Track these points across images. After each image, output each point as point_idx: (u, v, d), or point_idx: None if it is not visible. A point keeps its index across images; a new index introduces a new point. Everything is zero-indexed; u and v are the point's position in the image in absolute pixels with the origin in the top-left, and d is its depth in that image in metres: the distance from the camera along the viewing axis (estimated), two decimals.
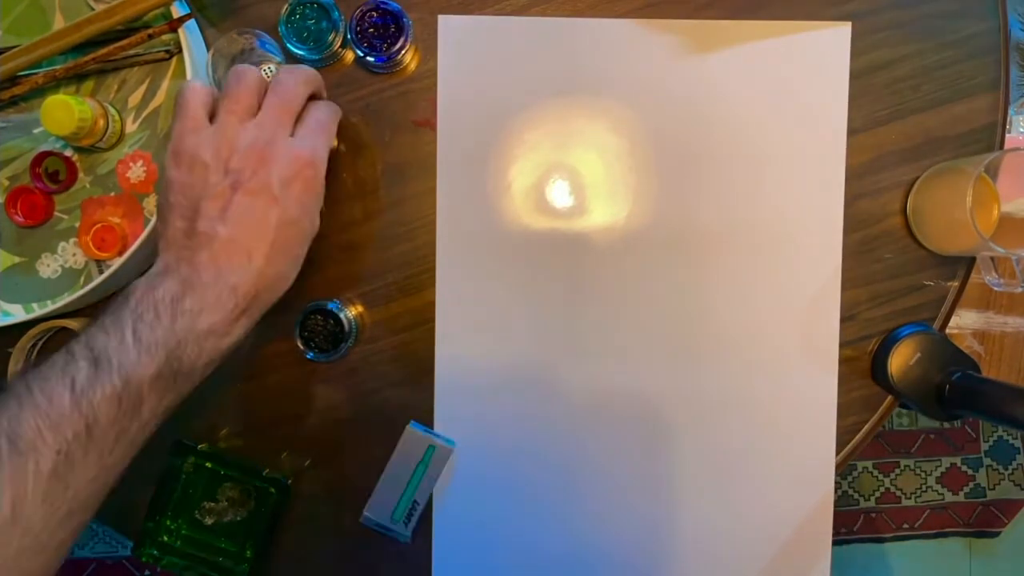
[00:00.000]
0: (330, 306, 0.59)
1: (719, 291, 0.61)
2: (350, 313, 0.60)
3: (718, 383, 0.62)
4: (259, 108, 0.49)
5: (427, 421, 0.62)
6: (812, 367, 0.61)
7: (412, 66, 0.62)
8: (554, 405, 0.62)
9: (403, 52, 0.58)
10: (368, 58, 0.58)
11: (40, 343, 0.63)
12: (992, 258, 0.60)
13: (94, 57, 0.57)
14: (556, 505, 0.62)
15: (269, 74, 0.60)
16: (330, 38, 0.58)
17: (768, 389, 0.61)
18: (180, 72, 0.59)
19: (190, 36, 0.57)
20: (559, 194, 0.62)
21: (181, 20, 0.56)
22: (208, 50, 0.60)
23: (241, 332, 0.47)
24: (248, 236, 0.46)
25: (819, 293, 0.61)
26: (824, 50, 0.61)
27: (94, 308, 0.61)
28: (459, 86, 0.62)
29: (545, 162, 0.62)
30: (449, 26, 0.61)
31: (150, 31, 0.57)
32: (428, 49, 0.62)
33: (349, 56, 0.62)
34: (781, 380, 0.61)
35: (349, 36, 0.58)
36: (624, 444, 0.62)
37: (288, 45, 0.58)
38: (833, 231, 0.61)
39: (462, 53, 0.62)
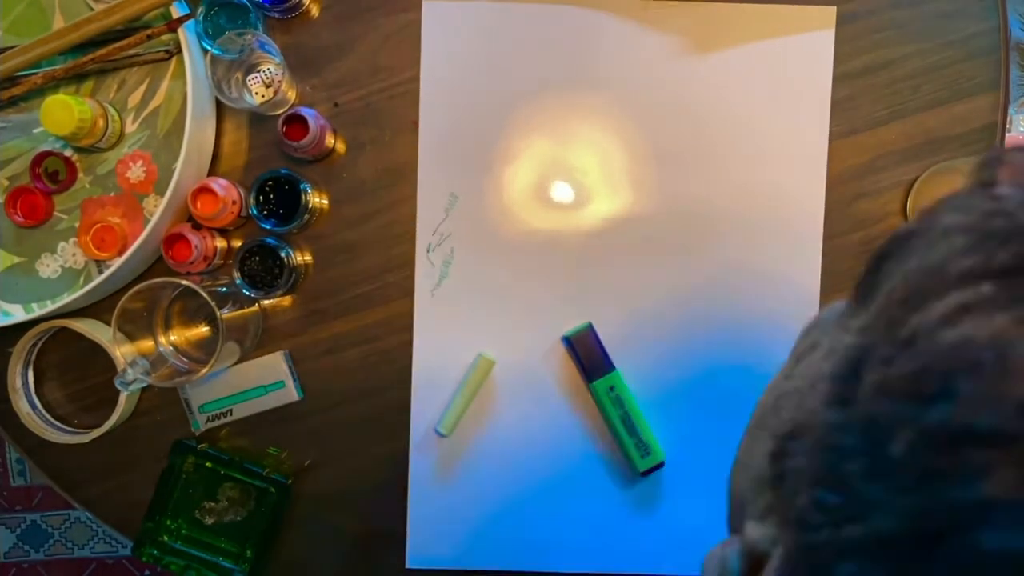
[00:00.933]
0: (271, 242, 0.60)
1: (704, 278, 0.62)
2: (296, 259, 0.61)
3: (701, 364, 0.62)
4: None
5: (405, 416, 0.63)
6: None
7: (314, 10, 0.62)
8: (530, 400, 0.62)
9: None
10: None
11: (40, 343, 0.63)
12: None
13: (93, 57, 0.57)
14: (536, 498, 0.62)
15: (268, 75, 0.60)
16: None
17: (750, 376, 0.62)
18: (180, 72, 0.59)
19: (190, 36, 0.57)
20: (547, 186, 0.62)
21: (180, 20, 0.56)
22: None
23: None
24: None
25: (800, 280, 0.61)
26: (809, 45, 0.61)
27: (94, 308, 0.62)
28: (442, 77, 0.62)
29: (534, 156, 0.62)
30: (434, 13, 0.61)
31: (149, 31, 0.57)
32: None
33: (315, 10, 0.61)
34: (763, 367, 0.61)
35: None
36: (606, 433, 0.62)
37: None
38: (815, 212, 0.61)
39: (447, 40, 0.61)
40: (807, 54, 0.61)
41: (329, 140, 0.60)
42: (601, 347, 0.60)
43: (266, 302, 0.63)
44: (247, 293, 0.60)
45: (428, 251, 0.62)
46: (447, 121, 0.62)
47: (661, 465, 0.60)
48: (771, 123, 0.61)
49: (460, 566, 0.62)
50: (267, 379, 0.62)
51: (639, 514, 0.62)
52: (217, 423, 0.63)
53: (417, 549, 0.62)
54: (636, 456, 0.60)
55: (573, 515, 0.62)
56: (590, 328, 0.60)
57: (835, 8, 0.60)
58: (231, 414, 0.63)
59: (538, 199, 0.62)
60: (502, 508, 0.62)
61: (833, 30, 0.60)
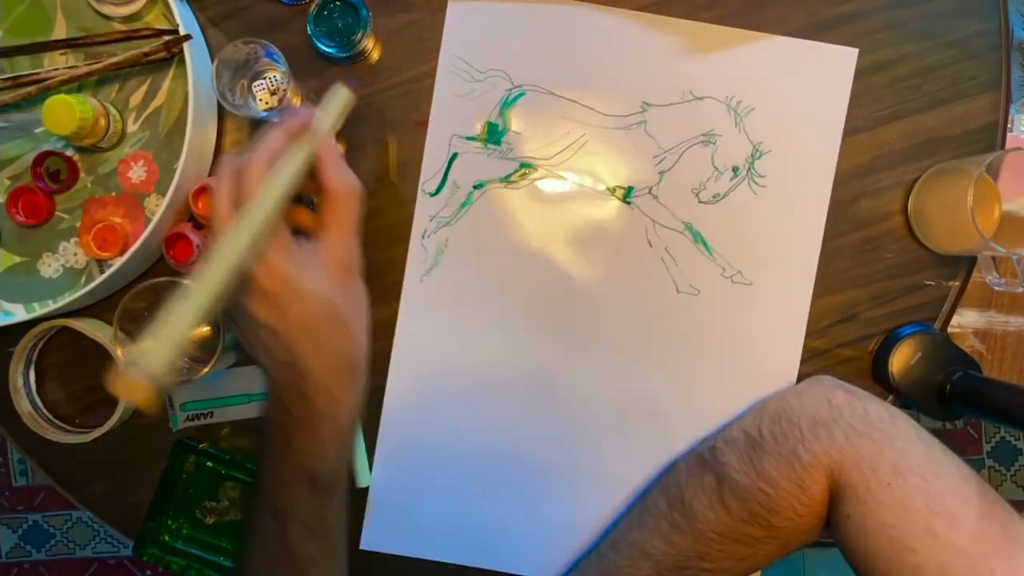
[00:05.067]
0: None
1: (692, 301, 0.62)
2: None
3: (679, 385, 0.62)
4: None
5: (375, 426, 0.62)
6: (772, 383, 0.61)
7: (375, 56, 0.62)
8: (505, 399, 0.62)
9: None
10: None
11: (41, 343, 0.63)
12: (993, 257, 0.60)
13: (90, 72, 0.57)
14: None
15: (274, 82, 0.59)
16: (357, 35, 0.58)
17: (733, 395, 0.61)
18: (181, 72, 0.59)
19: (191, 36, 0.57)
20: (550, 188, 0.62)
21: (178, 41, 0.56)
22: (209, 51, 0.60)
23: (343, 409, 0.46)
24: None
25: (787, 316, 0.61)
26: (827, 72, 0.61)
27: (95, 307, 0.62)
28: (458, 78, 0.62)
29: (539, 156, 0.62)
30: (458, 12, 0.61)
31: (146, 51, 0.57)
32: (431, 48, 0.62)
33: (376, 54, 0.62)
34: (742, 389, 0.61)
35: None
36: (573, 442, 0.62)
37: (317, 43, 0.58)
38: (809, 261, 0.61)
39: (466, 40, 0.61)
40: (823, 92, 0.61)
41: None
42: None
43: None
44: None
45: (423, 237, 0.62)
46: (457, 117, 0.62)
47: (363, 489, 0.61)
48: (780, 145, 0.61)
49: (415, 554, 0.62)
50: (253, 388, 0.62)
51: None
52: (196, 423, 0.63)
53: (374, 532, 0.62)
54: None
55: (541, 518, 0.62)
56: None
57: (856, 50, 0.60)
58: (211, 416, 0.62)
59: (539, 200, 0.62)
60: (465, 502, 0.62)
61: (851, 74, 0.60)
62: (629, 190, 0.61)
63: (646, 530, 0.55)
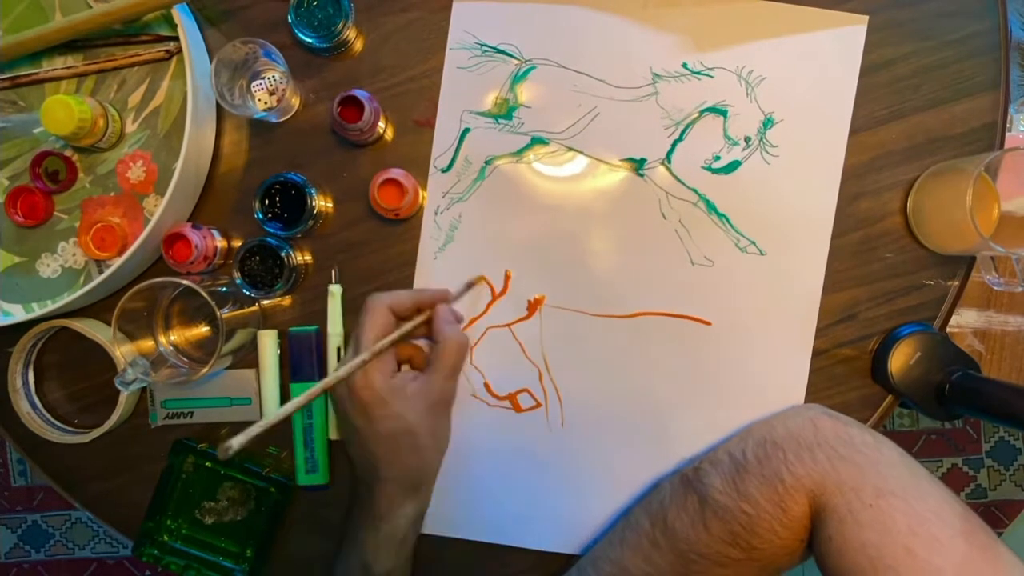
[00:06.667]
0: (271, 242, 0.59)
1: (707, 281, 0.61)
2: (296, 259, 0.60)
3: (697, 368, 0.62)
4: None
5: None
6: (787, 361, 0.61)
7: (358, 47, 0.62)
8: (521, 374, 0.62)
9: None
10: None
11: (40, 343, 0.63)
12: (992, 257, 0.60)
13: (87, 71, 0.57)
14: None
15: (272, 82, 0.59)
16: (339, 25, 0.58)
17: (744, 374, 0.61)
18: (180, 72, 0.59)
19: (190, 38, 0.57)
20: (561, 164, 0.62)
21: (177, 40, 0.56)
22: (208, 51, 0.60)
23: (401, 518, 0.53)
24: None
25: (802, 296, 0.61)
26: (838, 39, 0.60)
27: (94, 308, 0.62)
28: (468, 53, 0.62)
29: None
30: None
31: (145, 58, 0.57)
32: (431, 48, 0.62)
33: (359, 45, 0.62)
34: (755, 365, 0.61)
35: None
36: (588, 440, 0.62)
37: (298, 33, 0.58)
38: (823, 230, 0.61)
39: (476, 14, 0.61)
40: (834, 59, 0.60)
41: (381, 125, 0.60)
42: (318, 355, 0.61)
43: (266, 302, 0.63)
44: (247, 293, 0.60)
45: (436, 213, 0.62)
46: (467, 92, 0.61)
47: (325, 487, 0.62)
48: (788, 126, 0.61)
49: (435, 532, 0.62)
50: (236, 392, 0.62)
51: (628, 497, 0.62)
52: (175, 421, 0.62)
53: None
54: (302, 468, 0.61)
55: (558, 492, 0.62)
56: (315, 333, 0.61)
57: (867, 18, 0.60)
58: (191, 416, 0.62)
59: (551, 174, 0.62)
60: (482, 479, 0.62)
61: (862, 41, 0.60)
62: (641, 162, 0.61)
63: (627, 548, 0.56)
